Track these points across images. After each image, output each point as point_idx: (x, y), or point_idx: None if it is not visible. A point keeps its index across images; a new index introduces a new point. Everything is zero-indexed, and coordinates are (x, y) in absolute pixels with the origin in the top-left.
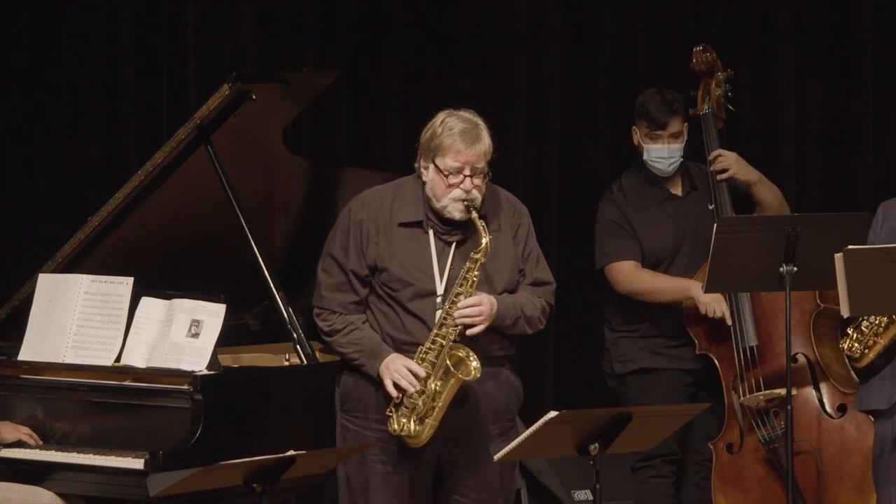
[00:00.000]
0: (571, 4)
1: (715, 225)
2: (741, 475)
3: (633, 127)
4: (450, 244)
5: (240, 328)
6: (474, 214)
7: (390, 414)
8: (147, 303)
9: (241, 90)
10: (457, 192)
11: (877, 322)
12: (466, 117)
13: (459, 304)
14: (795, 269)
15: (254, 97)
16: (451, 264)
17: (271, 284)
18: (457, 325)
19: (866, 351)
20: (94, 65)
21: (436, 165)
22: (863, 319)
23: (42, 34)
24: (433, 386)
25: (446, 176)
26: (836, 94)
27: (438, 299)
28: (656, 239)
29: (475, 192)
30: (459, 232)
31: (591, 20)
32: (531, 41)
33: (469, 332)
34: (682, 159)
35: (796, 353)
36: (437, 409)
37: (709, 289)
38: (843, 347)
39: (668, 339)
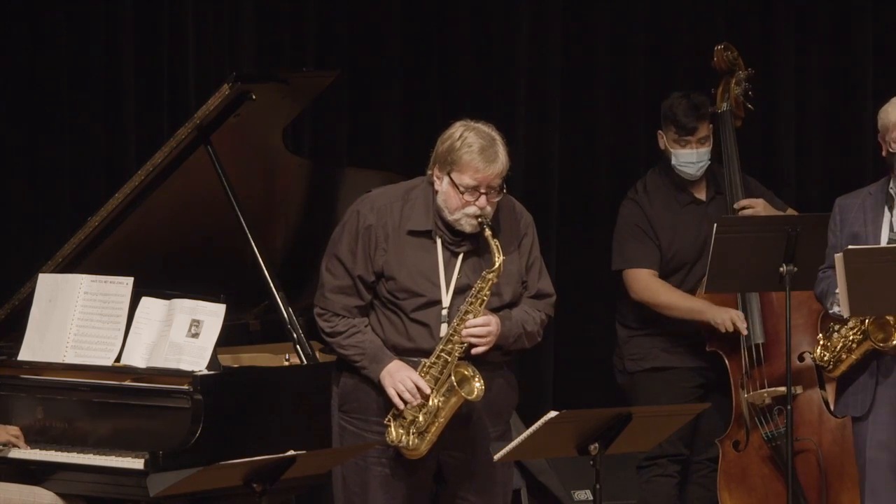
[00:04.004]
0: (572, 4)
1: (715, 225)
2: (746, 473)
3: (659, 131)
4: (457, 255)
5: (240, 328)
6: (488, 232)
7: (388, 423)
8: (147, 303)
9: (241, 90)
10: (471, 209)
11: (850, 337)
12: (485, 132)
13: (468, 323)
14: (795, 269)
15: (254, 97)
16: (459, 275)
17: (271, 284)
18: (463, 343)
19: (838, 364)
20: (94, 65)
21: (451, 179)
22: (834, 332)
23: (42, 34)
24: (436, 402)
25: (462, 192)
26: (836, 93)
27: (444, 311)
28: (678, 244)
29: (489, 209)
30: (468, 243)
31: (591, 19)
32: (531, 41)
33: (474, 351)
34: (709, 162)
35: (803, 353)
36: (436, 425)
37: (709, 288)
38: (814, 356)
39: (680, 338)
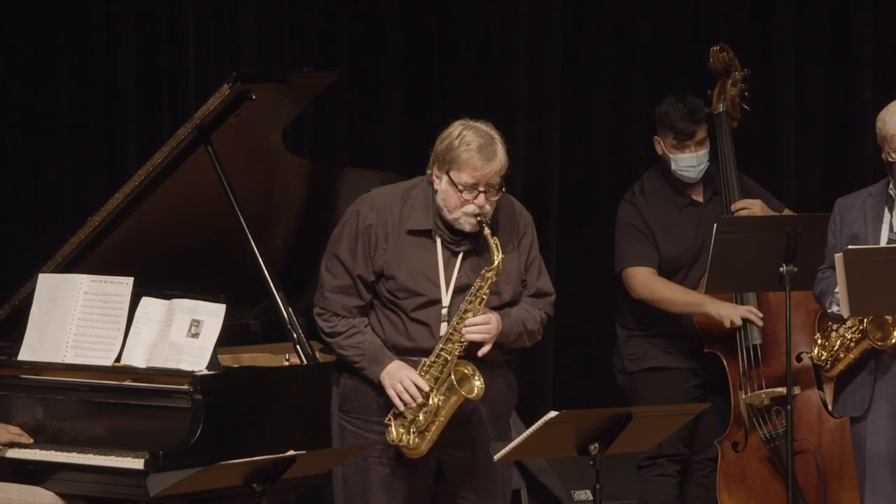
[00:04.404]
0: (572, 5)
1: (715, 225)
2: (745, 474)
3: (655, 137)
4: (457, 254)
5: (240, 328)
6: (487, 231)
7: (388, 423)
8: (147, 303)
9: (241, 90)
10: (470, 208)
11: (848, 337)
12: (483, 131)
13: (468, 322)
14: (795, 269)
15: (254, 97)
16: (458, 274)
17: (271, 284)
18: (463, 342)
19: (836, 363)
20: (94, 65)
21: (450, 178)
22: (832, 331)
23: (42, 34)
24: (436, 401)
25: (461, 191)
26: (836, 93)
27: (444, 310)
28: (675, 245)
29: (488, 207)
30: (468, 242)
31: (591, 21)
32: (531, 41)
33: (480, 352)
34: (708, 163)
35: (801, 353)
36: (437, 424)
37: (709, 289)
38: (811, 355)
39: (678, 338)
